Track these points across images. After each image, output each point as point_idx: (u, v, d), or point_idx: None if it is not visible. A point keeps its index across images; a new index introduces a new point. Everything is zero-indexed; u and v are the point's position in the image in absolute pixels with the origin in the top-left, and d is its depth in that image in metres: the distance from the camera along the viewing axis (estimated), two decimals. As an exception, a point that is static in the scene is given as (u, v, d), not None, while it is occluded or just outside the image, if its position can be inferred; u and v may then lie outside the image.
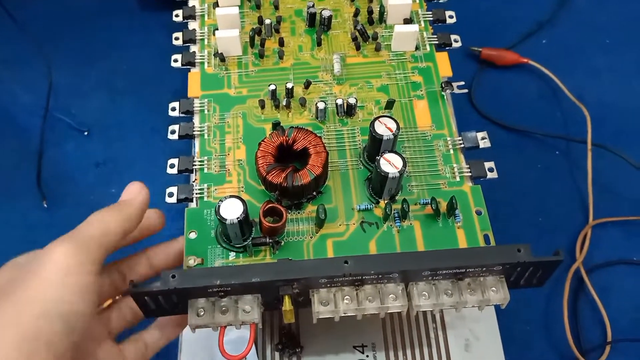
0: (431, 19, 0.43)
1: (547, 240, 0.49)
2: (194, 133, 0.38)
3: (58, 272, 0.26)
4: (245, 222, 0.31)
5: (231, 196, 0.32)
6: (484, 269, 0.30)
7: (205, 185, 0.36)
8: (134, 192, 0.31)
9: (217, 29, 0.42)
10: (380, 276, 0.29)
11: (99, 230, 0.28)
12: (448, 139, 0.37)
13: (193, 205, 0.35)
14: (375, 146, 0.34)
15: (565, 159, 0.53)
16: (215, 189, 0.35)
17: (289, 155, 0.35)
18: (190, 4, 0.44)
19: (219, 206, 0.31)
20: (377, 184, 0.34)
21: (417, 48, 0.41)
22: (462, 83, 0.39)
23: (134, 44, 0.61)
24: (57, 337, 0.25)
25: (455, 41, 0.42)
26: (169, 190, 0.35)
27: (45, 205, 0.51)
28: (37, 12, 0.62)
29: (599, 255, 0.49)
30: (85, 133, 0.55)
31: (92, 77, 0.59)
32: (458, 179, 0.36)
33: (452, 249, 0.32)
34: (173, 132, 0.38)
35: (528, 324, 0.47)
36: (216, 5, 0.44)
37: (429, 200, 0.34)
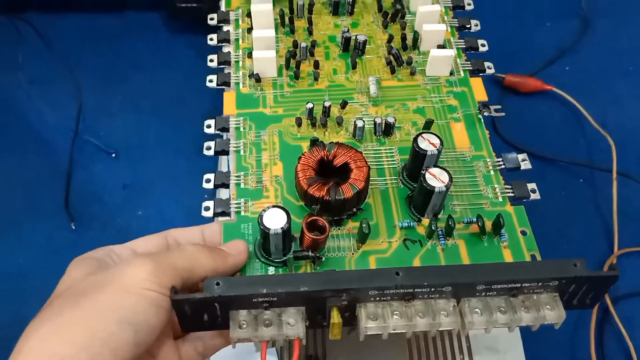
0: (464, 46, 0.43)
1: None
2: (230, 149, 0.37)
3: (138, 284, 0.26)
4: (288, 234, 0.30)
5: (274, 206, 0.31)
6: (539, 284, 0.28)
7: (242, 200, 0.35)
8: (237, 250, 0.31)
9: (252, 52, 0.42)
10: (431, 290, 0.28)
11: (187, 263, 0.28)
12: (488, 160, 0.37)
13: (230, 219, 0.34)
14: (418, 162, 0.34)
15: (590, 186, 0.52)
16: (253, 204, 0.34)
17: (328, 171, 0.34)
18: (225, 28, 0.45)
19: (262, 215, 0.30)
20: (421, 199, 0.33)
21: (451, 73, 0.42)
22: (499, 107, 0.39)
23: (159, 65, 0.61)
24: (125, 345, 0.25)
25: (489, 68, 0.42)
26: (205, 204, 0.34)
27: (73, 227, 0.50)
28: (66, 31, 0.63)
29: (624, 285, 0.48)
30: (113, 155, 0.55)
31: (119, 98, 0.59)
32: (500, 199, 0.35)
33: (507, 262, 0.31)
34: (209, 148, 0.37)
35: (554, 354, 0.46)
36: (250, 29, 0.44)
37: (473, 219, 0.33)
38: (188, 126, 0.56)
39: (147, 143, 0.56)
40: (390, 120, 0.37)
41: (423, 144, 0.33)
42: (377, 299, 0.28)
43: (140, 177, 0.54)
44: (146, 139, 0.57)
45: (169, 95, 0.59)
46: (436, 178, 0.32)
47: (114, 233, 0.50)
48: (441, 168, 0.32)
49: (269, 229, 0.30)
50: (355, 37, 0.42)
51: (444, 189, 0.32)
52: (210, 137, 0.38)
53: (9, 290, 0.47)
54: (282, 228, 0.30)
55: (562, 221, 0.50)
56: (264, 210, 0.30)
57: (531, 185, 0.36)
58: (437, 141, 0.34)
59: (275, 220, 0.30)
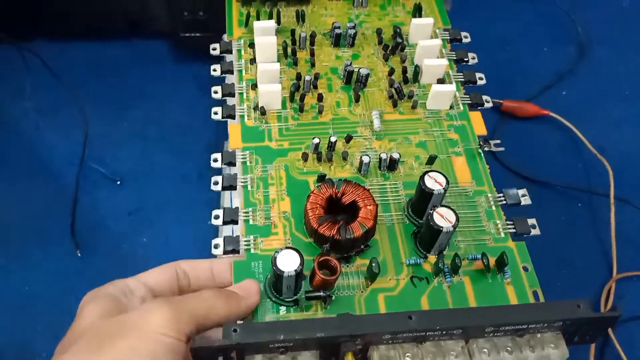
0: (462, 79, 0.45)
1: (573, 294, 0.49)
2: (238, 184, 0.37)
3: (156, 330, 0.27)
4: (300, 275, 0.31)
5: (287, 247, 0.31)
6: (545, 324, 0.30)
7: (251, 237, 0.35)
8: (250, 292, 0.31)
9: (256, 84, 0.42)
10: (443, 332, 0.29)
11: (203, 311, 0.29)
12: (489, 195, 0.38)
13: (240, 257, 0.35)
14: (425, 200, 0.35)
15: (588, 211, 0.53)
16: (262, 241, 0.35)
17: (337, 208, 0.35)
18: (228, 59, 0.45)
19: (276, 257, 0.31)
20: (428, 238, 0.34)
21: (451, 107, 0.43)
22: (499, 141, 0.40)
23: (165, 93, 0.62)
24: None
25: (487, 101, 0.44)
26: (214, 242, 0.35)
27: (79, 254, 0.51)
28: (73, 60, 0.63)
29: (623, 310, 0.48)
30: (118, 182, 0.55)
31: (125, 127, 0.59)
32: (503, 235, 0.36)
33: (515, 305, 0.32)
34: (216, 183, 0.38)
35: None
36: (253, 60, 0.44)
37: (478, 255, 0.34)
38: (193, 153, 0.57)
39: (152, 170, 0.56)
40: (395, 155, 0.38)
41: (429, 182, 0.34)
42: (390, 341, 0.29)
43: (145, 204, 0.54)
44: (151, 166, 0.57)
45: (174, 123, 0.60)
46: (444, 218, 0.33)
47: (119, 260, 0.50)
48: (448, 207, 0.33)
49: (283, 272, 0.30)
50: (358, 70, 0.43)
51: (452, 228, 0.33)
52: (216, 170, 0.39)
53: (17, 317, 0.47)
54: (295, 270, 0.30)
55: (562, 245, 0.51)
56: (277, 252, 0.31)
57: (531, 221, 0.37)
58: (443, 180, 0.34)
59: (288, 263, 0.30)
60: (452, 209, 0.33)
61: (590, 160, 0.56)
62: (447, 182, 0.34)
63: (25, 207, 0.54)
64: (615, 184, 0.53)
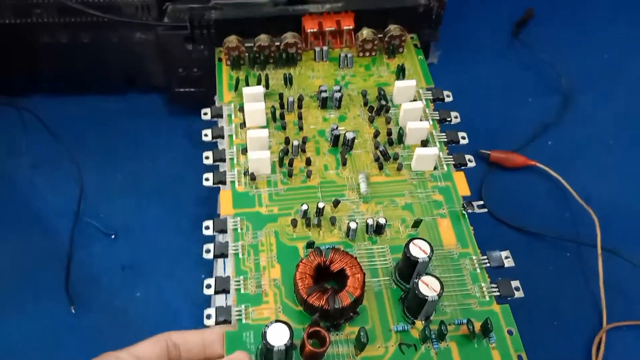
0: (445, 140, 0.46)
1: (563, 345, 0.50)
2: (229, 252, 0.38)
3: None
4: (290, 348, 0.32)
5: (277, 321, 0.32)
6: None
7: (243, 306, 0.36)
8: None
9: (246, 148, 0.44)
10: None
11: None
12: (474, 257, 0.39)
13: (231, 327, 0.35)
14: (410, 268, 0.36)
15: (577, 261, 0.54)
16: (253, 310, 0.36)
17: (326, 275, 0.36)
18: (219, 124, 0.46)
19: (266, 332, 0.31)
20: (415, 305, 0.35)
21: (435, 168, 0.44)
22: (482, 202, 0.42)
23: (159, 147, 0.62)
24: None
25: (470, 161, 0.45)
26: (207, 312, 0.36)
27: (73, 311, 0.51)
28: (68, 116, 0.64)
29: None
30: (112, 236, 0.56)
31: (119, 180, 0.60)
32: (487, 298, 0.37)
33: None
34: (208, 251, 0.39)
35: None
36: (243, 125, 0.46)
37: (463, 320, 0.35)
38: (187, 207, 0.58)
39: (146, 223, 0.57)
40: (382, 221, 0.39)
41: (414, 250, 0.35)
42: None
43: (139, 258, 0.54)
44: (145, 220, 0.57)
45: (168, 176, 0.60)
46: (428, 287, 0.34)
47: (112, 316, 0.50)
48: (433, 276, 0.34)
49: (273, 346, 0.31)
50: (344, 134, 0.44)
51: (437, 297, 0.34)
52: (209, 236, 0.40)
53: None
54: (285, 344, 0.31)
55: (551, 296, 0.51)
56: (267, 326, 0.32)
57: (515, 283, 0.38)
58: (427, 248, 0.36)
59: (278, 337, 0.31)
60: (436, 277, 0.34)
61: (578, 210, 0.57)
62: (432, 250, 0.35)
63: (19, 261, 0.54)
64: (602, 234, 0.53)
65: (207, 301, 0.44)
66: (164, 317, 0.51)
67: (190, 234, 0.55)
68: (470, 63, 0.70)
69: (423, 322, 0.35)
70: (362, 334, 0.33)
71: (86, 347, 0.49)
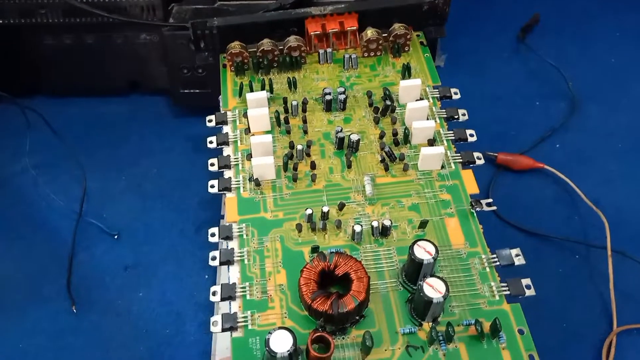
0: (453, 138, 0.45)
1: (574, 349, 0.48)
2: (235, 259, 0.39)
3: None
4: (294, 354, 0.32)
5: (280, 328, 0.32)
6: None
7: (249, 312, 0.36)
8: None
9: (251, 154, 0.44)
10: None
11: None
12: (483, 256, 0.38)
13: (238, 334, 0.35)
14: (415, 269, 0.35)
15: (586, 263, 0.53)
16: (259, 316, 0.36)
17: (331, 280, 0.36)
18: (224, 130, 0.47)
19: (269, 339, 0.31)
20: (421, 308, 0.34)
21: (442, 167, 0.43)
22: (490, 200, 0.41)
23: (163, 149, 0.63)
24: None
25: (478, 158, 0.44)
26: (213, 319, 0.36)
27: (74, 311, 0.52)
28: (73, 118, 0.66)
29: None
30: (115, 237, 0.56)
31: (123, 182, 0.61)
32: (497, 297, 0.36)
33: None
34: (214, 258, 0.39)
35: None
36: (248, 130, 0.46)
37: (472, 321, 0.35)
38: (191, 207, 0.58)
39: (149, 224, 0.57)
40: (387, 223, 0.39)
41: (419, 252, 0.35)
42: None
43: (142, 258, 0.55)
44: (149, 221, 0.58)
45: (172, 177, 0.61)
46: (434, 289, 0.33)
47: (114, 316, 0.51)
48: (439, 278, 0.34)
49: (276, 353, 0.31)
50: (349, 136, 0.44)
51: (442, 299, 0.33)
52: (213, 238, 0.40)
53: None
54: (288, 351, 0.31)
55: (560, 299, 0.50)
56: (270, 333, 0.32)
57: (526, 281, 0.37)
58: (432, 249, 0.35)
59: (281, 344, 0.31)
60: (441, 279, 0.34)
61: (586, 213, 0.56)
62: (437, 251, 0.35)
63: (22, 263, 0.55)
64: (613, 237, 0.52)
65: (209, 302, 0.44)
66: (166, 317, 0.52)
67: (193, 234, 0.56)
68: (477, 67, 0.70)
69: (430, 323, 0.35)
70: (367, 337, 0.33)
71: (88, 347, 0.50)
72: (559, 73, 0.68)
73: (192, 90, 0.62)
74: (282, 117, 0.46)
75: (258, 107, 0.45)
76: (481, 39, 0.73)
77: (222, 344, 0.45)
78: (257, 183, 0.42)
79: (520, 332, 0.35)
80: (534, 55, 0.71)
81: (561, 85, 0.67)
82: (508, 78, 0.70)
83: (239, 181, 0.43)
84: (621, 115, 0.65)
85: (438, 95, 0.48)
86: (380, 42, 0.51)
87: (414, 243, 0.35)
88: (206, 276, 0.53)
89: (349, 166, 0.43)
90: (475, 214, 0.41)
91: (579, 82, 0.67)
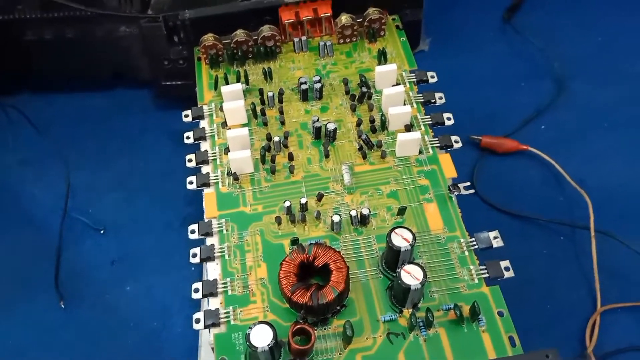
0: (430, 122, 0.45)
1: (558, 328, 0.49)
2: (216, 255, 0.39)
3: None
4: (275, 347, 0.32)
5: (260, 322, 0.32)
6: (517, 377, 0.30)
7: (231, 307, 0.36)
8: None
9: (228, 148, 0.44)
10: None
11: None
12: (461, 240, 0.39)
13: (221, 329, 0.36)
14: (394, 257, 0.36)
15: (571, 244, 0.53)
16: (241, 311, 0.36)
17: (311, 271, 0.36)
18: (201, 124, 0.46)
19: (249, 334, 0.32)
20: (400, 295, 0.35)
21: (420, 152, 0.43)
22: (468, 184, 0.41)
23: (147, 142, 0.63)
24: None
25: (456, 142, 0.44)
26: (195, 316, 0.36)
27: (62, 306, 0.52)
28: (55, 113, 0.65)
29: (609, 343, 0.48)
30: (102, 231, 0.56)
31: (108, 176, 0.61)
32: (476, 280, 0.37)
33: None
34: (195, 255, 0.39)
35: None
36: (225, 124, 0.46)
37: (451, 306, 0.35)
38: (177, 201, 0.58)
39: (135, 218, 0.57)
40: (365, 211, 0.39)
41: (396, 239, 0.35)
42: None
43: (129, 252, 0.55)
44: (135, 215, 0.58)
45: (157, 171, 0.61)
46: (411, 275, 0.34)
47: (103, 311, 0.52)
48: (416, 264, 0.34)
49: (256, 347, 0.31)
50: (325, 125, 0.44)
51: (419, 286, 0.33)
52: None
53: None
54: (268, 345, 0.31)
55: (545, 280, 0.51)
56: (250, 328, 0.32)
57: (504, 263, 0.37)
58: (409, 236, 0.35)
59: (261, 338, 0.32)
60: (419, 265, 0.34)
61: (571, 194, 0.55)
62: (414, 237, 0.35)
63: (9, 258, 0.55)
64: (597, 217, 0.52)
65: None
66: (153, 311, 0.52)
67: (179, 228, 0.56)
68: (462, 49, 0.69)
69: (411, 310, 0.35)
70: (347, 327, 0.33)
71: (76, 341, 0.50)
72: (544, 53, 0.68)
73: (174, 82, 0.61)
74: (258, 109, 0.46)
75: (234, 100, 0.45)
76: (466, 21, 0.73)
77: (208, 336, 0.45)
78: (236, 177, 0.42)
79: (500, 314, 0.35)
80: (520, 35, 0.70)
81: (547, 66, 0.67)
82: (493, 59, 0.69)
83: (217, 176, 0.43)
84: (607, 94, 0.64)
85: (415, 80, 0.48)
86: (355, 27, 0.51)
87: (391, 231, 0.35)
88: (192, 268, 0.53)
89: (327, 156, 0.43)
90: (453, 198, 0.41)
91: (565, 61, 0.67)
